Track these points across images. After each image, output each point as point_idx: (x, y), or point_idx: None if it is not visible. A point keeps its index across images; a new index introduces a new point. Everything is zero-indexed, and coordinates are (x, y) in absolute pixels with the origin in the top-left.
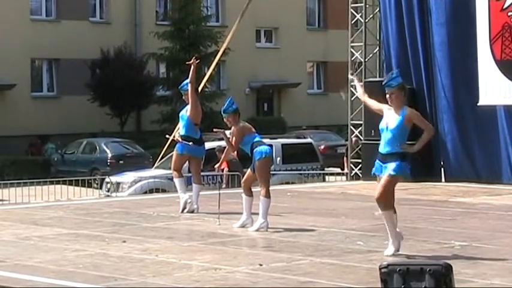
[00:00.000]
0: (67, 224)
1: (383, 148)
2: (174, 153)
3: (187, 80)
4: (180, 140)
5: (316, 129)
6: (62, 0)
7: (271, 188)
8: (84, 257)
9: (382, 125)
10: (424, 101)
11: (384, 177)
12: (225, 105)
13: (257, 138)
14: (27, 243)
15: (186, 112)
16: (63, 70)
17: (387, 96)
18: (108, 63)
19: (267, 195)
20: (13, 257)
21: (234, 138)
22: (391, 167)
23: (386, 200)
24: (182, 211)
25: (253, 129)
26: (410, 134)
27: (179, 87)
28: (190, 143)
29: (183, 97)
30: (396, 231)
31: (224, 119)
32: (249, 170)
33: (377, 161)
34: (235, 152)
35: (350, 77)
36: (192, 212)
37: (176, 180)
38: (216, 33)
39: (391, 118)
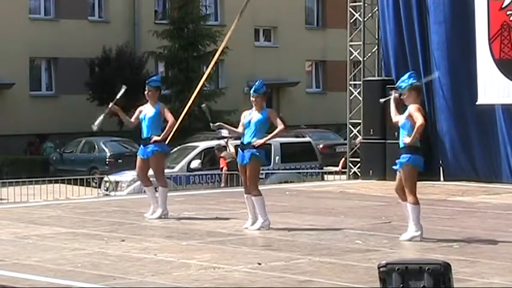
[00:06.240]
0: (66, 223)
1: (400, 144)
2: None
3: (158, 78)
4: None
5: (315, 128)
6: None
7: (270, 187)
8: (82, 256)
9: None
10: (422, 100)
11: (402, 170)
12: (256, 85)
13: None
14: (25, 242)
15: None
16: (62, 69)
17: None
18: (109, 62)
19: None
20: (12, 256)
21: (277, 120)
22: (404, 159)
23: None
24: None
25: None
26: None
27: (147, 81)
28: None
29: (148, 93)
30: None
31: (251, 98)
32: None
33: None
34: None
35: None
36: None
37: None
38: (215, 32)
39: (401, 116)
